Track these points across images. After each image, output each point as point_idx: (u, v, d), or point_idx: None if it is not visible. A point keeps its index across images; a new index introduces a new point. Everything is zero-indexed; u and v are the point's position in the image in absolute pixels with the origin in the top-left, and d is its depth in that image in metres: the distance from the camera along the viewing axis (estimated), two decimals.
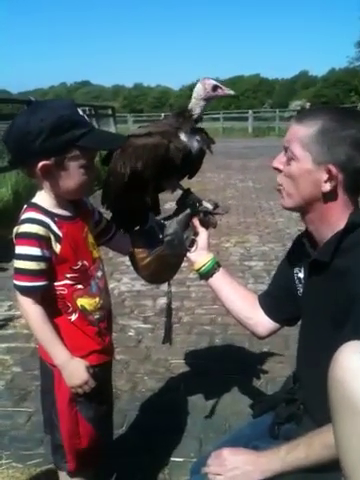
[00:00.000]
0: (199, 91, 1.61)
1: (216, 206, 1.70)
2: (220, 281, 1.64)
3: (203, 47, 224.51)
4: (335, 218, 1.23)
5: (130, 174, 1.62)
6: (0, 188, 6.74)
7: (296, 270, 1.46)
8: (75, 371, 1.41)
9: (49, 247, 1.36)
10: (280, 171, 1.30)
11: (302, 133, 1.22)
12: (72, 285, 1.41)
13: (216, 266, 1.65)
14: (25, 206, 1.41)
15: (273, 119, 28.89)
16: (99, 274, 1.50)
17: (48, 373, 1.48)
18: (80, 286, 1.43)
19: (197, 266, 1.66)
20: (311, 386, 1.34)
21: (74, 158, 1.33)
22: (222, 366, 2.85)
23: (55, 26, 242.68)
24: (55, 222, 1.37)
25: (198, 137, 1.64)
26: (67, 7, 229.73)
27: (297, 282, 1.46)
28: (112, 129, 14.61)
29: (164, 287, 3.94)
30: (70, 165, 1.34)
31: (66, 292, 1.41)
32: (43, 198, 1.40)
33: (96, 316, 1.47)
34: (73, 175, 1.35)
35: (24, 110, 1.36)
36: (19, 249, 1.34)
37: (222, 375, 2.74)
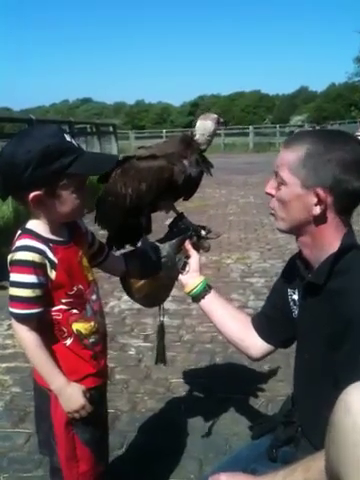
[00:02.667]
0: (210, 127, 1.67)
1: (208, 231, 1.74)
2: (211, 303, 1.65)
3: (204, 64, 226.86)
4: (328, 240, 1.24)
5: (132, 195, 1.64)
6: (1, 206, 6.74)
7: (290, 292, 1.46)
8: (72, 396, 1.40)
9: (44, 274, 1.35)
10: (272, 196, 1.31)
11: (290, 158, 1.23)
12: (67, 310, 1.41)
13: (207, 288, 1.66)
14: (19, 232, 1.39)
15: (274, 134, 29.09)
16: (94, 297, 1.50)
17: (44, 397, 1.47)
18: (75, 311, 1.42)
19: (188, 288, 1.68)
20: (308, 409, 1.33)
21: (65, 185, 1.32)
22: (223, 385, 2.83)
23: (58, 43, 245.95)
24: (50, 248, 1.36)
25: (199, 160, 1.68)
26: (69, 24, 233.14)
27: (292, 304, 1.45)
28: (114, 145, 14.70)
29: (165, 305, 3.93)
30: (62, 193, 1.33)
31: (61, 317, 1.40)
32: (37, 224, 1.39)
33: (91, 340, 1.47)
34: (66, 201, 1.35)
35: (10, 141, 1.34)
36: (14, 276, 1.33)
37: (223, 394, 2.72)
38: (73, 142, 1.34)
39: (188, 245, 1.69)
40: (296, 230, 1.29)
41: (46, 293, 1.36)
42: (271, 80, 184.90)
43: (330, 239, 1.23)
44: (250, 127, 28.82)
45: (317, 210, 1.20)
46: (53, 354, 1.40)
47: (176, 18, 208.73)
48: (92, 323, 1.47)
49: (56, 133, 1.33)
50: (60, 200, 1.34)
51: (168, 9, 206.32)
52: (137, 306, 4.10)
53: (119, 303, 4.19)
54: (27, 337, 1.36)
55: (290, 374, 2.72)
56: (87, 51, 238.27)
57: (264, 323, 1.58)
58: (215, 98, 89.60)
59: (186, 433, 2.39)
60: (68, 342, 1.42)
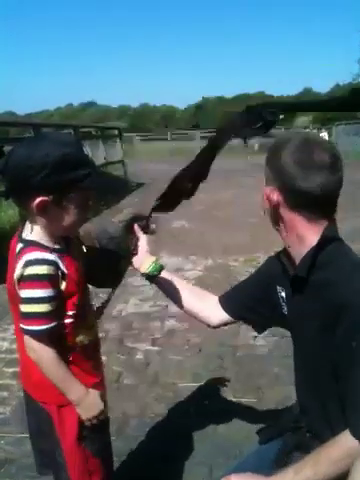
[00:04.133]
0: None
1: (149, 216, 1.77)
2: (165, 280, 1.71)
3: (207, 66, 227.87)
4: (304, 235, 1.27)
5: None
6: (7, 210, 6.76)
7: (279, 289, 1.48)
8: (92, 403, 1.40)
9: (57, 286, 1.31)
10: None
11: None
12: (73, 321, 1.37)
13: (161, 267, 1.69)
14: (21, 245, 1.32)
15: None
16: (90, 305, 1.51)
17: (43, 415, 1.44)
18: (79, 320, 1.39)
19: (143, 268, 1.68)
20: (312, 409, 1.34)
21: (74, 197, 1.28)
22: (232, 389, 2.81)
23: (62, 47, 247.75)
24: (59, 258, 1.32)
25: None
26: (72, 26, 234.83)
27: (281, 301, 1.47)
28: (119, 149, 14.69)
29: (172, 308, 3.92)
30: (68, 204, 1.29)
31: (68, 330, 1.37)
32: (39, 234, 1.33)
33: (91, 349, 1.46)
34: (69, 214, 1.30)
35: (24, 141, 1.31)
36: (30, 293, 1.27)
37: (232, 398, 2.71)
38: (89, 156, 1.33)
39: (136, 227, 1.68)
40: (274, 226, 1.38)
41: (58, 305, 1.32)
42: (275, 82, 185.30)
43: (306, 234, 1.27)
44: None
45: (266, 205, 1.31)
46: None
47: (180, 20, 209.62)
48: (92, 331, 1.47)
49: (75, 142, 1.32)
50: (65, 211, 1.30)
51: (172, 11, 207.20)
52: (144, 310, 4.12)
53: (126, 307, 4.17)
54: (46, 353, 1.32)
55: None
56: (91, 55, 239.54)
57: (235, 304, 1.65)
58: (219, 100, 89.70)
59: (195, 438, 2.38)
60: (73, 354, 1.40)
